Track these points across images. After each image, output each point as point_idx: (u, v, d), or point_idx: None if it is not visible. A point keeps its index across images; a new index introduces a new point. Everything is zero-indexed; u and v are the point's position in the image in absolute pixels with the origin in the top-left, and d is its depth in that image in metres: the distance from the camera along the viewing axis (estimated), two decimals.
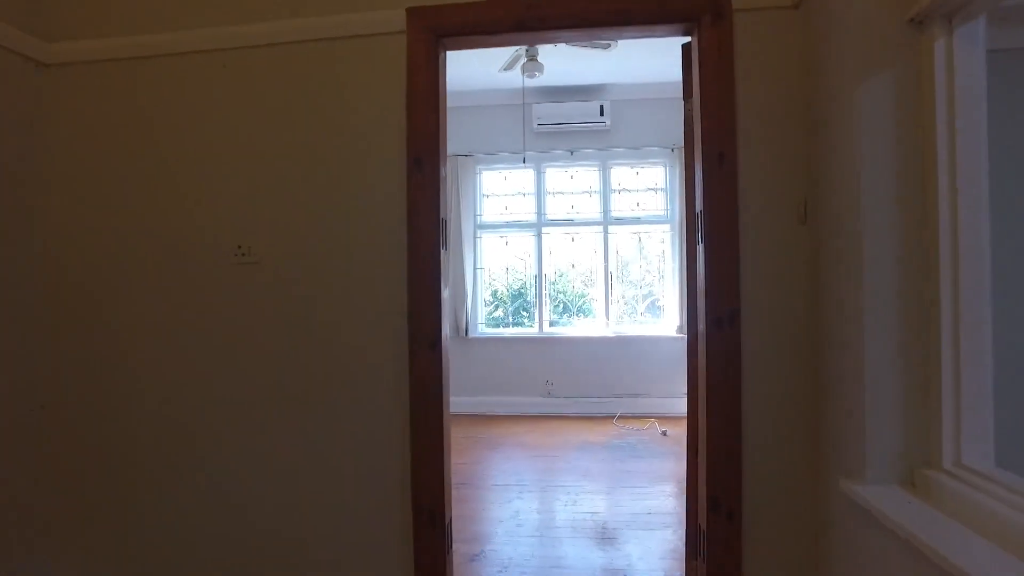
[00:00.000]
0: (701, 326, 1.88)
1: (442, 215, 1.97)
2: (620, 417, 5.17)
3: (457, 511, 3.19)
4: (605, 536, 2.88)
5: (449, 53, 2.06)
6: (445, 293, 1.98)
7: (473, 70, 4.96)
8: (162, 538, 2.14)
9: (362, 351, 2.01)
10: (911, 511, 1.32)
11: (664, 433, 4.66)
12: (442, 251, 1.95)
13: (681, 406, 5.44)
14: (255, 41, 2.10)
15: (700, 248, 1.89)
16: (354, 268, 2.02)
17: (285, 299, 2.07)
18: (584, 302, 5.62)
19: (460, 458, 4.21)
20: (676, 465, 3.94)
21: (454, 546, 2.15)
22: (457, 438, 4.72)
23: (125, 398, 2.17)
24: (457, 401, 5.45)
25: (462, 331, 5.39)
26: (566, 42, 2.88)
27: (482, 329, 5.64)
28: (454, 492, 3.49)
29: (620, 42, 4.21)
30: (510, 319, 5.65)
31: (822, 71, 1.73)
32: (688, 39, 2.00)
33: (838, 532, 1.66)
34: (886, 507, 1.35)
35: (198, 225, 2.14)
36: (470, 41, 2.02)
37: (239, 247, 2.10)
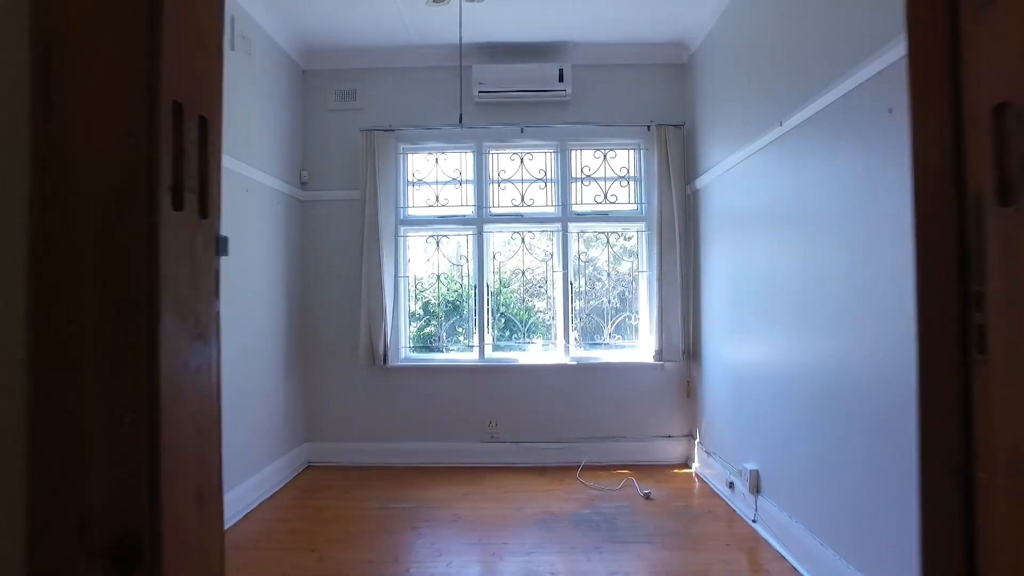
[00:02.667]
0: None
1: (172, 96, 0.56)
2: (585, 468, 3.85)
3: None
4: None
5: None
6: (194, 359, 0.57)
7: (393, 15, 3.54)
8: None
9: None
10: None
11: (647, 496, 3.37)
12: (167, 213, 0.54)
13: (661, 451, 3.94)
14: None
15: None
16: None
17: None
18: (535, 319, 4.28)
19: (365, 550, 2.75)
20: (678, 556, 2.65)
21: None
22: (368, 509, 3.26)
23: None
24: (372, 450, 3.99)
25: (379, 359, 3.92)
26: None
27: (406, 355, 4.19)
28: None
29: None
30: (444, 337, 4.23)
31: None
32: None
33: None
34: None
35: None
36: None
37: None
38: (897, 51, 1.79)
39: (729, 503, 3.21)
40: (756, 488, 2.89)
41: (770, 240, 2.77)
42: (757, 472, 2.89)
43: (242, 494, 3.18)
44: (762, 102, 2.83)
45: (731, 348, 3.30)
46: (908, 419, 1.78)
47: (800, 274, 2.48)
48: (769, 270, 2.78)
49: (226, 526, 2.99)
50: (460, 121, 3.28)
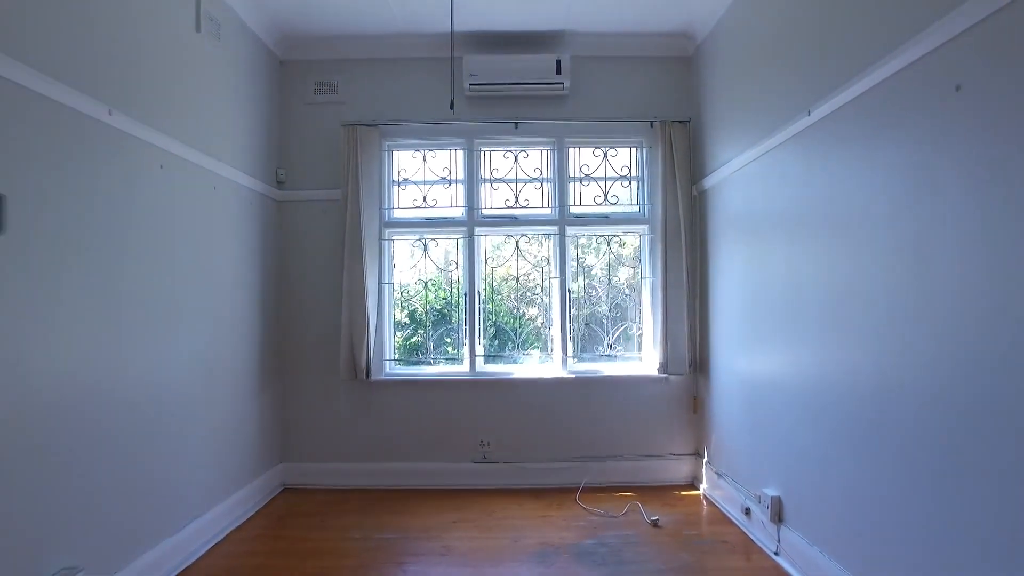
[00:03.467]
0: None
1: None
2: (585, 490, 3.52)
3: None
4: None
5: None
6: None
7: (378, 0, 3.22)
8: None
9: None
10: None
11: (655, 523, 3.05)
12: None
13: (665, 471, 3.59)
14: None
15: None
16: None
17: None
18: (529, 329, 3.96)
19: None
20: None
21: None
22: (349, 540, 2.89)
23: None
24: (354, 470, 3.65)
25: (361, 372, 3.57)
26: None
27: (390, 368, 3.84)
28: None
29: None
30: (431, 348, 3.89)
31: None
32: None
33: None
34: None
35: None
36: None
37: None
38: (969, 17, 1.50)
39: (745, 531, 2.90)
40: (778, 517, 2.58)
41: (794, 243, 2.48)
42: (779, 499, 2.59)
43: (207, 525, 2.81)
44: (784, 91, 2.55)
45: (745, 361, 3.00)
46: (979, 441, 1.48)
47: (833, 282, 2.18)
48: (793, 276, 2.49)
49: (188, 562, 2.62)
50: (452, 107, 2.93)
